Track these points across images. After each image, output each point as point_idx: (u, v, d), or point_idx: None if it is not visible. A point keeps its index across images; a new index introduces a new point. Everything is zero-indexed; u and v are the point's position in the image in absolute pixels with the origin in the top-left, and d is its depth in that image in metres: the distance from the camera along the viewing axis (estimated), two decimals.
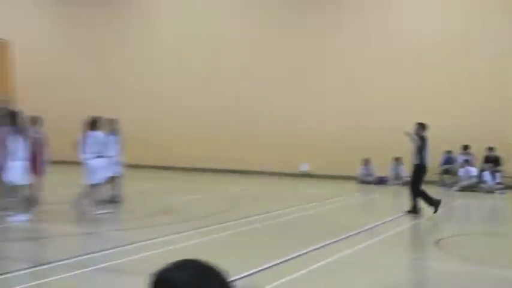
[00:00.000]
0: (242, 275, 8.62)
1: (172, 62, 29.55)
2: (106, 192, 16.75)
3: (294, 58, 27.39)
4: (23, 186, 14.69)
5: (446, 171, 23.72)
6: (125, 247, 11.49)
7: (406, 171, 22.55)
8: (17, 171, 14.28)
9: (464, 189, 22.62)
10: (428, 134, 16.28)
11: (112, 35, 31.14)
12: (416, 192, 16.08)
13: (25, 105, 26.98)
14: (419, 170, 16.08)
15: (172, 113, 29.39)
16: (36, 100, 28.99)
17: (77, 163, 16.36)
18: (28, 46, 32.33)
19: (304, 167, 27.04)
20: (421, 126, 16.31)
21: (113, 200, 16.90)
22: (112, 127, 16.91)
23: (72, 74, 31.60)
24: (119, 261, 10.36)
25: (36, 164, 15.77)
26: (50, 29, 32.71)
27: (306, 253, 10.94)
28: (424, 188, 16.32)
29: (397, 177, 24.09)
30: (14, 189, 14.67)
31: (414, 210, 16.04)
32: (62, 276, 9.24)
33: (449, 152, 23.70)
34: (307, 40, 27.09)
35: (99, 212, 15.33)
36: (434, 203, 15.94)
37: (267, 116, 27.64)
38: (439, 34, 24.87)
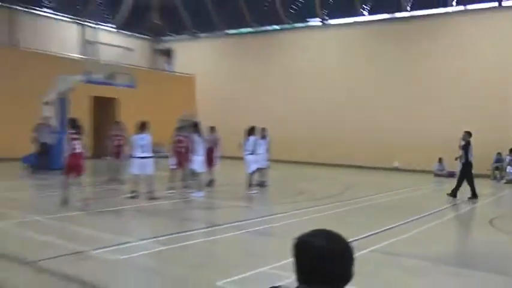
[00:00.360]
0: (353, 239, 8.32)
1: (303, 90, 29.45)
2: (257, 178, 16.80)
3: (396, 85, 26.63)
4: (200, 173, 15.15)
5: (496, 168, 23.11)
6: (271, 217, 11.59)
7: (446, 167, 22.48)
8: (198, 163, 14.89)
9: (510, 181, 21.75)
10: (472, 139, 15.65)
11: (261, 69, 31.43)
12: (463, 181, 15.52)
13: (204, 118, 29.04)
14: (467, 166, 15.54)
15: (302, 124, 29.33)
16: (211, 115, 30.53)
17: (240, 158, 16.71)
18: (206, 78, 33.96)
19: (396, 163, 26.47)
20: (468, 134, 15.70)
21: (262, 185, 16.89)
22: (262, 133, 16.95)
23: (236, 95, 32.13)
24: (265, 226, 10.49)
25: (211, 158, 16.64)
26: (220, 66, 33.50)
27: (397, 226, 10.77)
28: (476, 181, 15.66)
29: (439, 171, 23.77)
30: (195, 175, 15.22)
31: (474, 196, 15.44)
32: (227, 235, 9.54)
33: (499, 153, 23.03)
34: (405, 69, 26.53)
35: (252, 192, 15.44)
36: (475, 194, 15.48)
37: (373, 127, 27.12)
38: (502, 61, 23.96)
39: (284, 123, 28.86)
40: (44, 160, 19.47)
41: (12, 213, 11.26)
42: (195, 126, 15.34)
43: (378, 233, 9.99)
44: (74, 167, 12.07)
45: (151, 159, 13.74)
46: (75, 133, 12.13)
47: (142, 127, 13.72)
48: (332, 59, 28.97)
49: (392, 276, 7.06)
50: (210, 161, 16.43)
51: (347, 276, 1.90)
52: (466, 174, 15.55)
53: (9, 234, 9.18)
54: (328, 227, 1.98)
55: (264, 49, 31.69)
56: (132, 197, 13.66)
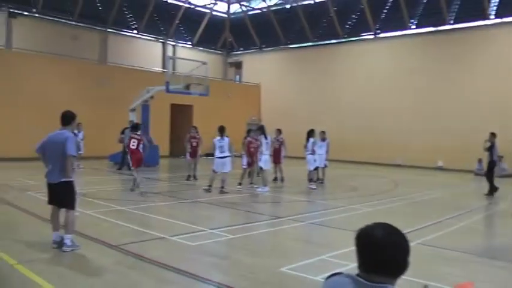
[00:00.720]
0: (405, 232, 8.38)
1: (356, 97, 29.10)
2: (317, 176, 16.68)
3: (442, 92, 25.87)
4: (266, 170, 15.25)
5: None
6: (329, 210, 11.48)
7: (507, 167, 21.25)
8: (264, 161, 15.13)
9: None
10: (497, 140, 15.25)
11: (319, 79, 31.21)
12: (490, 178, 15.21)
13: (267, 123, 29.01)
14: (491, 165, 15.19)
15: (354, 127, 28.93)
16: (274, 119, 30.56)
17: (302, 158, 16.77)
18: (270, 86, 34.16)
19: (440, 163, 25.65)
20: (493, 135, 15.23)
21: (320, 182, 16.79)
22: (322, 136, 16.94)
23: (296, 102, 32.07)
24: (325, 218, 10.34)
25: (278, 157, 16.99)
26: (283, 76, 33.57)
27: (443, 220, 10.51)
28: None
29: (501, 171, 22.20)
30: (261, 172, 15.43)
31: (491, 192, 15.08)
32: (289, 226, 9.52)
33: None
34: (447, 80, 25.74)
35: (311, 187, 15.40)
36: (493, 190, 15.10)
37: (419, 130, 26.42)
38: None
39: (338, 126, 28.51)
40: (127, 159, 19.88)
41: (100, 204, 11.54)
42: (261, 129, 15.53)
43: (425, 227, 9.72)
44: (133, 160, 13.52)
45: (229, 159, 13.96)
46: (135, 134, 13.71)
47: (221, 131, 14.00)
48: (383, 69, 28.52)
49: (436, 266, 6.81)
50: (277, 159, 16.90)
51: (403, 266, 1.88)
52: (488, 171, 15.25)
53: (99, 221, 9.36)
54: (380, 220, 1.96)
55: (322, 61, 31.52)
56: (207, 190, 13.83)
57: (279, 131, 17.36)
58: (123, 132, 19.64)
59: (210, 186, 14.07)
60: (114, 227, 8.87)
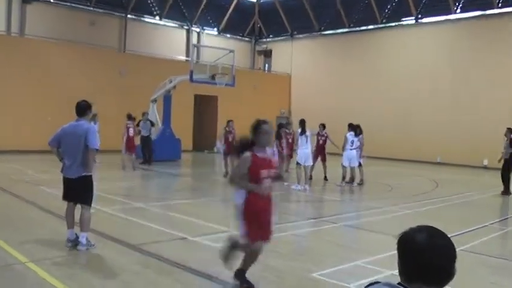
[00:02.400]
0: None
1: (394, 88, 28.70)
2: (351, 174, 16.25)
3: (489, 83, 25.22)
4: (307, 166, 15.11)
5: None
6: (365, 212, 11.41)
7: None
8: (303, 156, 14.90)
9: None
10: None
11: (355, 68, 30.85)
12: (507, 177, 15.11)
13: (297, 116, 28.78)
14: (510, 162, 15.08)
15: (391, 121, 28.50)
16: (305, 112, 30.38)
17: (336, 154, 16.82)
18: (301, 76, 34.01)
19: (485, 162, 24.89)
20: (509, 131, 15.20)
21: (353, 182, 16.17)
22: (357, 130, 16.21)
23: (329, 93, 31.80)
24: (360, 220, 10.32)
25: (323, 154, 17.15)
26: (315, 65, 33.29)
27: (488, 224, 10.26)
28: None
29: None
30: (298, 167, 15.01)
31: (506, 192, 14.90)
32: (322, 227, 9.48)
33: None
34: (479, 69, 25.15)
35: (340, 185, 15.41)
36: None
37: (462, 125, 25.67)
38: None
39: (374, 120, 28.12)
40: (145, 152, 20.20)
41: (118, 200, 11.65)
42: (301, 123, 15.39)
43: (468, 231, 9.51)
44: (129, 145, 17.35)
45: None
46: (130, 123, 18.01)
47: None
48: (425, 57, 27.93)
49: (481, 275, 6.65)
50: (322, 157, 17.14)
51: (449, 273, 1.84)
52: (507, 168, 15.22)
53: (116, 219, 9.42)
54: (420, 223, 1.92)
55: (358, 48, 31.17)
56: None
57: (323, 126, 17.36)
58: (138, 124, 19.83)
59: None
60: (132, 226, 8.92)
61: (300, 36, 34.84)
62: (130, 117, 18.62)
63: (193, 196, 12.99)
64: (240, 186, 5.35)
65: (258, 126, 5.36)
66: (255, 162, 5.26)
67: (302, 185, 14.65)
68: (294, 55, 34.75)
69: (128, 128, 18.30)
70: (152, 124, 20.62)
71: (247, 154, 5.26)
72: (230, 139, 17.21)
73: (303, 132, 15.02)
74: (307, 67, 33.89)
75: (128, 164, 17.83)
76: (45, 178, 14.71)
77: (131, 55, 28.28)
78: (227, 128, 17.38)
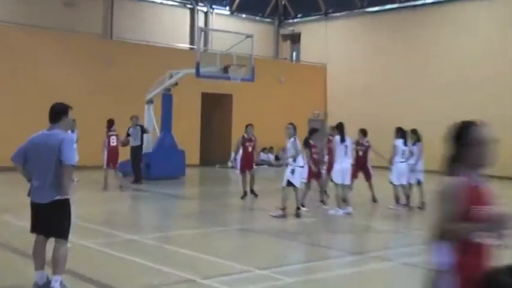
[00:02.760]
0: None
1: (456, 74, 28.65)
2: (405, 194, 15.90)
3: None
4: (343, 185, 14.83)
5: None
6: (421, 246, 11.47)
7: None
8: (340, 172, 14.63)
9: None
10: None
11: (406, 53, 30.62)
12: None
13: (334, 117, 28.47)
14: None
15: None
16: (346, 113, 30.23)
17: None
18: (339, 66, 33.72)
19: None
20: None
21: (408, 205, 15.78)
22: (413, 136, 16.11)
23: (375, 86, 31.61)
24: (419, 258, 10.24)
25: (365, 169, 16.60)
26: (356, 51, 32.93)
27: None
28: None
29: None
30: (336, 188, 14.88)
31: None
32: (369, 266, 9.38)
33: None
34: None
35: (396, 209, 15.13)
36: None
37: None
38: None
39: (433, 120, 27.68)
40: (136, 167, 20.25)
41: (102, 231, 11.60)
42: (338, 127, 15.28)
43: None
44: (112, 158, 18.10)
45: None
46: (112, 131, 18.49)
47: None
48: (490, 35, 27.72)
49: None
50: (365, 172, 16.74)
51: None
52: None
53: (100, 256, 9.36)
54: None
55: (409, 28, 30.89)
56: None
57: (364, 133, 16.80)
58: (128, 133, 19.82)
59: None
60: (121, 265, 8.84)
61: (337, 15, 34.76)
62: (111, 123, 18.81)
63: (201, 224, 12.95)
64: (460, 233, 3.70)
65: (467, 132, 3.86)
66: (470, 195, 3.75)
67: (343, 209, 14.45)
68: (329, 40, 34.55)
69: (109, 137, 18.46)
70: (143, 130, 20.60)
71: (455, 182, 3.78)
72: (250, 149, 17.18)
73: (343, 140, 14.84)
74: (347, 54, 33.74)
75: (110, 183, 17.82)
76: (5, 204, 14.64)
77: (119, 43, 28.41)
78: (246, 135, 17.27)
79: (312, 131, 16.04)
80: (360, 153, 16.51)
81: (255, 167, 17.62)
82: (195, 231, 12.15)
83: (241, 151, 17.27)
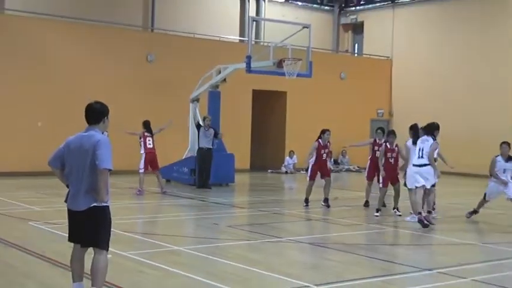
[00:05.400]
0: None
1: None
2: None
3: None
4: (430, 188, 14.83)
5: None
6: (502, 261, 11.07)
7: None
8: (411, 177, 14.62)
9: None
10: None
11: (475, 51, 30.44)
12: None
13: (403, 118, 28.27)
14: None
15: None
16: (414, 112, 29.99)
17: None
18: (408, 60, 33.57)
19: None
20: None
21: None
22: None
23: (450, 84, 31.45)
24: (501, 274, 9.96)
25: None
26: (429, 43, 32.79)
27: None
28: None
29: None
30: (410, 193, 14.77)
31: None
32: (446, 283, 9.27)
33: None
34: None
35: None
36: None
37: None
38: None
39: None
40: (203, 171, 21.08)
41: (142, 240, 11.85)
42: (413, 129, 15.47)
43: None
44: (150, 163, 19.01)
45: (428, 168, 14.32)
46: (149, 132, 19.18)
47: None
48: None
49: None
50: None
51: None
52: None
53: (141, 268, 9.44)
54: None
55: (487, 17, 30.60)
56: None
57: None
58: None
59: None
60: (165, 277, 8.92)
61: (405, 1, 34.60)
62: (148, 124, 19.35)
63: (253, 236, 12.94)
64: None
65: None
66: None
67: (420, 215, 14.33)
68: (396, 30, 34.42)
69: (145, 138, 19.13)
70: (216, 134, 21.13)
71: None
72: (324, 157, 17.24)
73: (415, 143, 14.86)
74: (416, 46, 33.52)
75: (149, 189, 18.07)
76: (38, 210, 15.00)
77: (161, 35, 28.77)
78: (322, 142, 17.22)
79: (389, 133, 16.49)
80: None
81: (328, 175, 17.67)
82: (245, 243, 12.16)
83: (314, 158, 17.30)
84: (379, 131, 18.00)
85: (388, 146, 16.01)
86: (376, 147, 17.22)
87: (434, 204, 15.63)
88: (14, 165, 22.93)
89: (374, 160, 17.11)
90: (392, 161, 16.00)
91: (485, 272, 10.09)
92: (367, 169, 17.65)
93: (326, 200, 17.19)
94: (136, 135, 19.59)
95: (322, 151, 17.21)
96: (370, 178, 17.44)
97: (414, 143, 14.87)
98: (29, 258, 10.01)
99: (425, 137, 14.72)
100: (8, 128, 23.52)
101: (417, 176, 14.38)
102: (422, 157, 14.29)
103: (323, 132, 17.38)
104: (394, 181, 16.16)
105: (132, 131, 19.77)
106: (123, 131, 19.41)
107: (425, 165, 14.38)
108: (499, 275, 9.88)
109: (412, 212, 14.71)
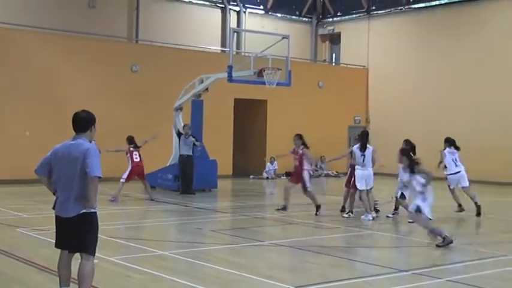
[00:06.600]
0: None
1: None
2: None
3: None
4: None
5: None
6: (478, 261, 11.11)
7: None
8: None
9: None
10: None
11: (457, 54, 30.38)
12: None
13: (379, 125, 28.40)
14: None
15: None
16: (389, 120, 30.16)
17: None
18: (383, 70, 33.63)
19: None
20: None
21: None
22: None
23: (421, 92, 31.45)
24: (473, 274, 9.92)
25: None
26: (403, 53, 32.86)
27: None
28: None
29: None
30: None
31: None
32: (415, 284, 9.26)
33: None
34: None
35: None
36: None
37: None
38: None
39: (488, 127, 27.43)
40: (189, 177, 21.12)
41: (127, 245, 11.76)
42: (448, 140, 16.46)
43: None
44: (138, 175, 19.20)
45: None
46: (134, 147, 19.24)
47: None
48: None
49: None
50: None
51: None
52: None
53: (126, 273, 9.40)
54: None
55: (460, 26, 30.65)
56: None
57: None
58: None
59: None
60: (151, 281, 8.90)
61: (380, 12, 34.68)
62: (131, 140, 19.41)
63: (236, 240, 12.95)
64: None
65: None
66: None
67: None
68: (371, 40, 34.56)
69: (131, 153, 19.24)
70: (196, 141, 21.18)
71: None
72: (297, 162, 16.73)
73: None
74: (391, 56, 33.68)
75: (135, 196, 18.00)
76: (26, 217, 14.92)
77: (146, 46, 28.70)
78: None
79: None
80: None
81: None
82: (227, 247, 12.19)
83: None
84: (357, 137, 17.90)
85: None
86: None
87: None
88: (1, 174, 22.72)
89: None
90: None
91: (460, 273, 10.14)
92: (347, 176, 17.33)
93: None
94: (121, 151, 19.48)
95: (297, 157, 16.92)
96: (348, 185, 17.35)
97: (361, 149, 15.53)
98: (17, 264, 9.94)
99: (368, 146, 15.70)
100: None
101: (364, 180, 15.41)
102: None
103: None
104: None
105: (116, 147, 19.51)
106: (106, 149, 18.79)
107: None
108: (474, 275, 9.90)
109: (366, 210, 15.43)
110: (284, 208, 16.75)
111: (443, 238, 12.04)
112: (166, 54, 27.72)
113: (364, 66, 34.63)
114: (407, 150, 13.46)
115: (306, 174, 16.35)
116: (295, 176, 16.86)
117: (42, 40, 25.06)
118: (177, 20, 31.15)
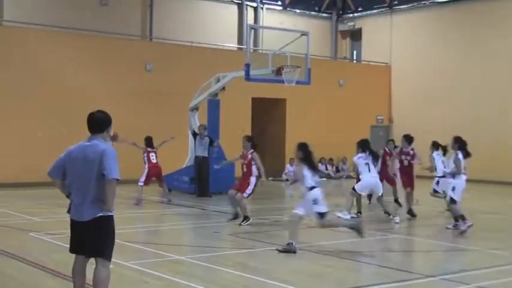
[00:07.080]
0: None
1: None
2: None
3: None
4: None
5: None
6: (504, 267, 11.01)
7: None
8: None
9: None
10: None
11: (475, 56, 30.35)
12: None
13: (402, 124, 28.28)
14: None
15: None
16: (413, 119, 30.02)
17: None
18: (407, 67, 33.51)
19: None
20: None
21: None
22: None
23: (441, 93, 31.52)
24: (498, 280, 9.91)
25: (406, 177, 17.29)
26: (428, 49, 32.71)
27: None
28: None
29: None
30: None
31: None
32: None
33: None
34: None
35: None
36: None
37: None
38: None
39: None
40: (204, 179, 21.46)
41: (144, 250, 11.80)
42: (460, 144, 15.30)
43: None
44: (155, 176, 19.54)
45: None
46: (152, 148, 19.62)
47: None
48: None
49: None
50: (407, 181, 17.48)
51: None
52: None
53: (143, 278, 9.43)
54: None
55: (486, 20, 30.46)
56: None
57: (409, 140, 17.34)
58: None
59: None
60: (168, 287, 8.92)
61: (403, 7, 34.58)
62: (150, 140, 19.76)
63: (254, 244, 12.94)
64: None
65: None
66: None
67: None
68: (394, 36, 34.44)
69: (148, 153, 19.51)
70: (211, 142, 21.28)
71: None
72: (245, 168, 16.10)
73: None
74: (415, 53, 33.51)
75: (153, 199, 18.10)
76: (38, 221, 15.04)
77: (160, 45, 28.79)
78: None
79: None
80: (405, 162, 17.23)
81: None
82: (244, 251, 12.20)
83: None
84: (390, 142, 19.49)
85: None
86: (387, 157, 17.96)
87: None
88: (13, 176, 22.87)
89: (383, 170, 17.48)
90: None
91: (489, 278, 10.04)
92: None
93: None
94: (138, 147, 19.63)
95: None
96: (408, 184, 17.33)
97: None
98: (29, 269, 10.01)
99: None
100: (7, 138, 23.42)
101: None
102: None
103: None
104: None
105: (133, 141, 19.72)
106: (127, 141, 19.33)
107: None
108: (502, 281, 9.89)
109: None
110: (236, 217, 15.61)
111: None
112: (181, 53, 27.76)
113: (386, 63, 34.52)
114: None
115: (252, 181, 15.35)
116: (240, 182, 16.01)
117: (55, 39, 25.19)
118: (192, 17, 31.21)
